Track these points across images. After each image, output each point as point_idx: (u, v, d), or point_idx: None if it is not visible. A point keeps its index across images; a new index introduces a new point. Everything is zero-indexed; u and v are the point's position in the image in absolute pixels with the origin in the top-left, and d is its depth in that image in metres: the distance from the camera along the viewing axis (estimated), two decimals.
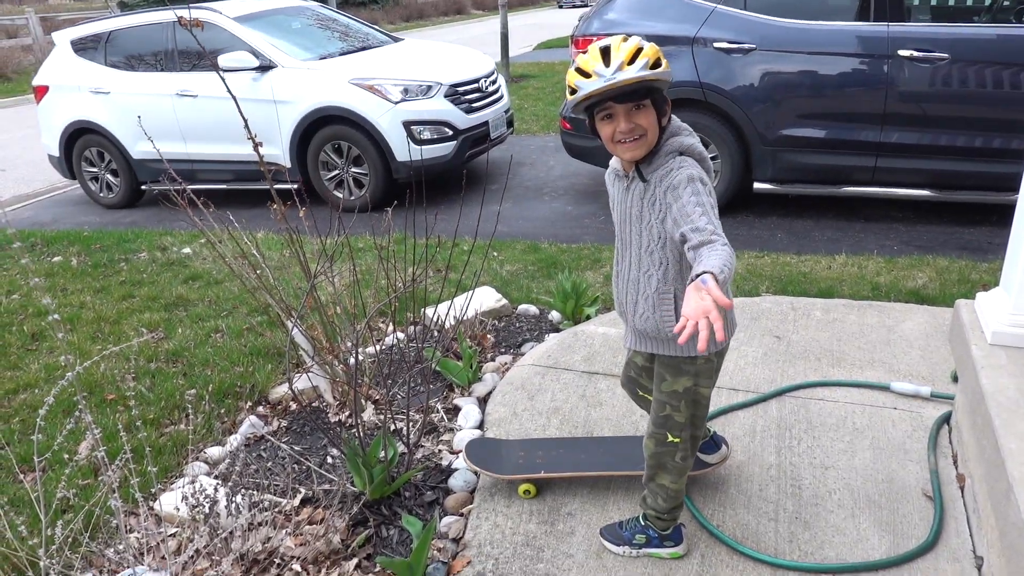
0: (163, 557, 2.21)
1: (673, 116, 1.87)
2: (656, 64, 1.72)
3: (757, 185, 5.26)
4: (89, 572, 2.23)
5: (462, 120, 6.24)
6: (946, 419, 2.68)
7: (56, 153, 7.13)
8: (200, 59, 6.48)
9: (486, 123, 6.51)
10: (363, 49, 6.94)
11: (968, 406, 2.31)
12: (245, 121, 2.94)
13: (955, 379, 2.86)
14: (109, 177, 7.09)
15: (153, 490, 2.59)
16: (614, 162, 1.95)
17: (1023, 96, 4.50)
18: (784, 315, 3.60)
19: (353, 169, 6.26)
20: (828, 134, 4.93)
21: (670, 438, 2.04)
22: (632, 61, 1.70)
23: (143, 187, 7.06)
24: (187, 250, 5.46)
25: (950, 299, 3.72)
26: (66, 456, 2.87)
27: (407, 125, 5.99)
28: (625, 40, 1.74)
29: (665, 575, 2.13)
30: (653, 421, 2.07)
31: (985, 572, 2.02)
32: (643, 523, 2.18)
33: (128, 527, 2.47)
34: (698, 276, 1.47)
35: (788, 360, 3.18)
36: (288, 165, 6.34)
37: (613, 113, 1.77)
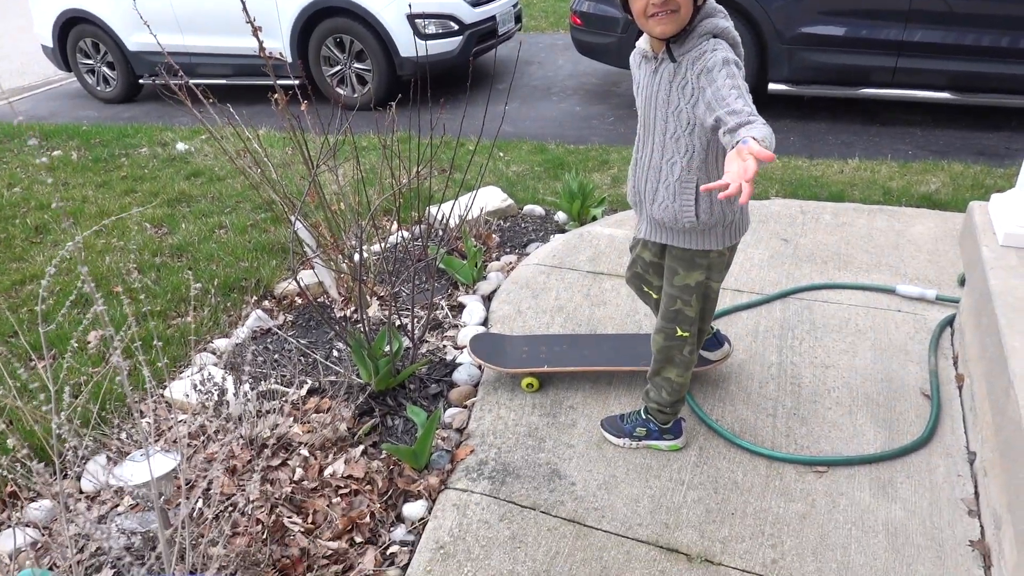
0: (174, 440, 2.27)
1: None
2: None
3: (772, 86, 5.09)
4: (102, 453, 2.30)
5: (468, 14, 5.99)
6: (949, 322, 2.69)
7: (50, 44, 6.91)
8: None
9: (493, 18, 6.26)
10: None
11: (974, 307, 2.30)
12: (244, 3, 2.81)
13: (962, 283, 2.85)
14: (105, 70, 6.89)
15: (164, 373, 2.64)
16: (641, 42, 1.85)
17: None
18: (793, 218, 3.56)
19: (356, 65, 6.07)
20: (848, 32, 4.73)
21: (679, 332, 2.04)
22: None
23: (141, 81, 6.87)
24: (183, 146, 5.36)
25: (962, 204, 3.66)
26: (74, 344, 2.91)
27: (411, 18, 5.76)
28: None
29: (663, 465, 2.19)
30: (663, 315, 2.07)
31: (977, 467, 2.07)
32: (644, 416, 2.22)
33: (140, 412, 2.53)
34: (739, 141, 1.41)
35: (794, 263, 3.16)
36: (289, 60, 6.14)
37: None
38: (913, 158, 4.43)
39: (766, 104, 5.44)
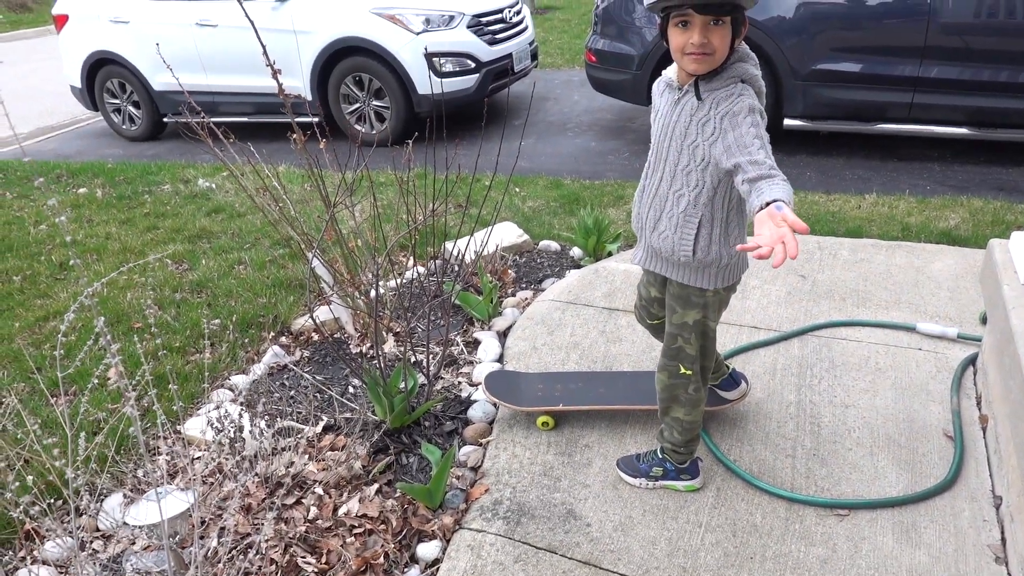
0: (191, 479, 2.27)
1: (743, 43, 1.79)
2: None
3: (787, 121, 5.11)
4: (119, 491, 2.30)
5: (485, 52, 6.09)
6: (972, 361, 2.65)
7: (78, 84, 7.10)
8: None
9: (510, 55, 6.36)
10: None
11: (996, 346, 2.27)
12: (264, 47, 2.88)
13: (983, 321, 2.81)
14: (131, 109, 7.06)
15: (179, 414, 2.66)
16: (669, 71, 1.88)
17: None
18: (810, 254, 3.54)
19: (374, 102, 6.17)
20: (864, 68, 4.75)
21: (682, 370, 2.04)
22: None
23: (165, 119, 7.03)
24: (204, 183, 5.46)
25: (983, 240, 3.62)
26: (95, 381, 2.94)
27: (429, 57, 5.86)
28: None
29: (680, 506, 2.15)
30: (664, 353, 2.06)
31: (1003, 512, 2.02)
32: (660, 456, 2.20)
33: (156, 449, 2.55)
34: (768, 204, 1.42)
35: (812, 300, 3.14)
36: (309, 97, 6.26)
37: (690, 22, 1.67)
38: (932, 193, 4.41)
39: (781, 140, 5.45)
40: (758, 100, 1.73)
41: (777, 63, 4.90)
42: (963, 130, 4.74)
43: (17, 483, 2.06)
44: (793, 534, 2.03)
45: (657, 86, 1.94)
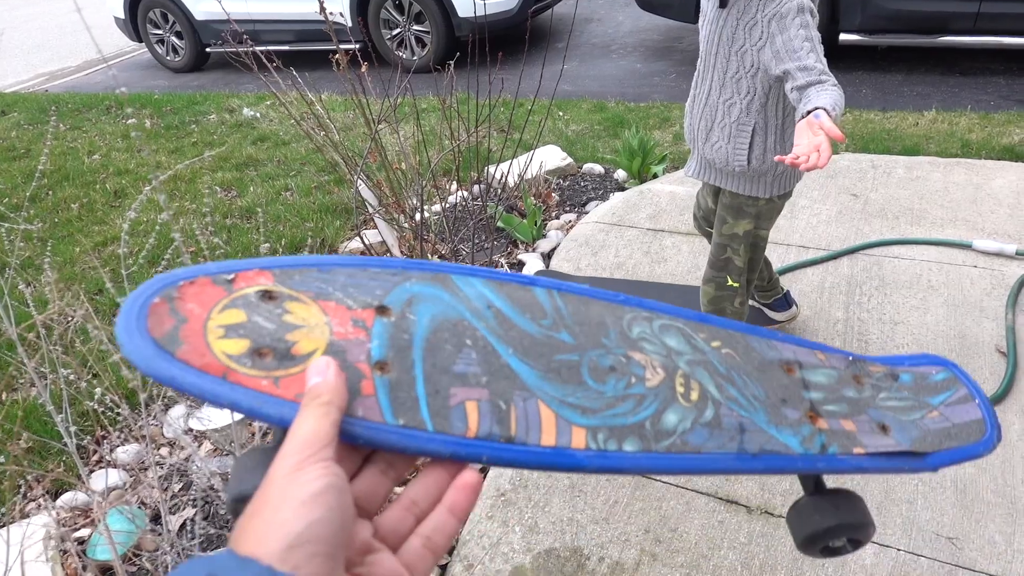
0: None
1: None
2: None
3: (843, 36, 4.87)
4: (182, 403, 2.43)
5: None
6: None
7: (122, 15, 7.14)
8: None
9: None
10: None
11: None
12: None
13: None
14: (174, 40, 7.08)
15: None
16: None
17: None
18: (863, 172, 3.44)
19: (415, 27, 6.08)
20: None
21: (729, 282, 2.02)
22: None
23: (208, 49, 7.05)
24: (249, 112, 5.50)
25: None
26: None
27: None
28: None
29: None
30: (712, 264, 2.05)
31: None
32: None
33: None
34: (809, 112, 1.39)
35: (864, 218, 3.07)
36: (349, 24, 6.19)
37: None
38: (995, 109, 4.20)
39: (837, 56, 5.22)
40: None
41: None
42: None
43: (96, 388, 2.19)
44: None
45: None
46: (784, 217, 3.12)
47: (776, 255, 2.87)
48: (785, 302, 2.40)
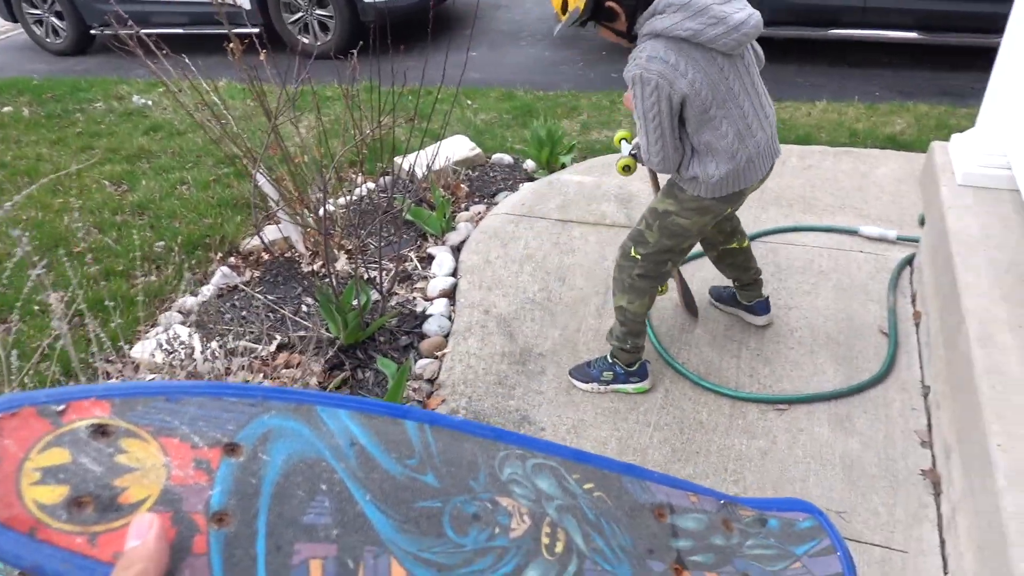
0: None
1: None
2: (563, 8, 1.88)
3: None
4: None
5: None
6: (909, 261, 2.74)
7: None
8: None
9: None
10: None
11: (932, 245, 2.35)
12: None
13: (922, 222, 2.89)
14: (54, 20, 6.61)
15: (123, 335, 2.62)
16: None
17: None
18: None
19: (317, 11, 5.89)
20: None
21: (632, 252, 2.09)
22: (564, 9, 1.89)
23: (92, 31, 6.61)
24: (140, 99, 5.20)
25: (926, 145, 3.68)
26: (36, 308, 2.86)
27: None
28: None
29: (630, 408, 2.23)
30: (629, 234, 2.13)
31: (931, 400, 2.14)
32: (610, 360, 2.26)
33: (105, 373, 2.52)
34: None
35: (761, 206, 3.19)
36: (248, 7, 5.94)
37: None
38: (881, 99, 4.44)
39: None
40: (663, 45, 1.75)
41: None
42: (913, 35, 4.75)
43: None
44: (736, 429, 2.13)
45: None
46: None
47: None
48: (765, 306, 2.46)
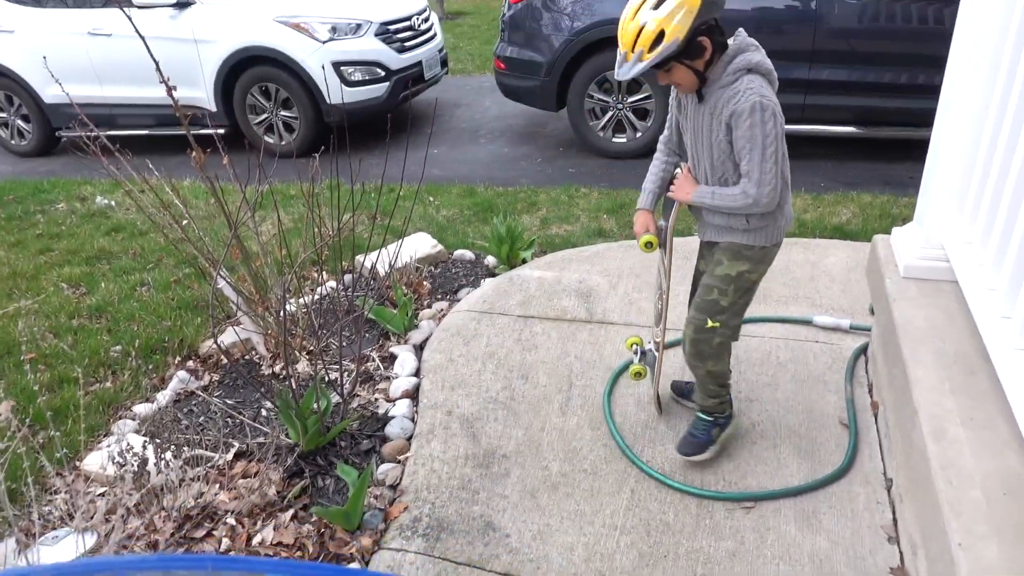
0: (91, 517, 2.17)
1: (740, 30, 1.92)
2: (656, 42, 1.79)
3: None
4: (12, 536, 2.18)
5: (394, 60, 6.05)
6: (863, 350, 2.80)
7: None
8: None
9: (419, 63, 6.33)
10: None
11: (882, 337, 2.41)
12: (156, 63, 2.79)
13: (873, 311, 2.98)
14: (20, 123, 6.66)
15: (76, 448, 2.53)
16: None
17: (945, 32, 4.59)
18: None
19: (283, 112, 6.04)
20: None
21: (709, 324, 2.16)
22: (633, 47, 1.82)
23: (58, 134, 6.67)
24: (103, 200, 5.21)
25: (871, 234, 3.82)
26: None
27: (337, 66, 5.78)
28: (632, 19, 1.81)
29: (596, 511, 2.20)
30: (697, 307, 2.21)
31: (894, 493, 2.15)
32: (710, 418, 2.31)
33: (54, 488, 2.41)
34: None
35: None
36: (213, 109, 6.07)
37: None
38: (825, 190, 4.64)
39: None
40: (768, 85, 1.90)
41: None
42: (852, 129, 5.02)
43: None
44: (704, 529, 2.10)
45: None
46: (643, 299, 3.26)
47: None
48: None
